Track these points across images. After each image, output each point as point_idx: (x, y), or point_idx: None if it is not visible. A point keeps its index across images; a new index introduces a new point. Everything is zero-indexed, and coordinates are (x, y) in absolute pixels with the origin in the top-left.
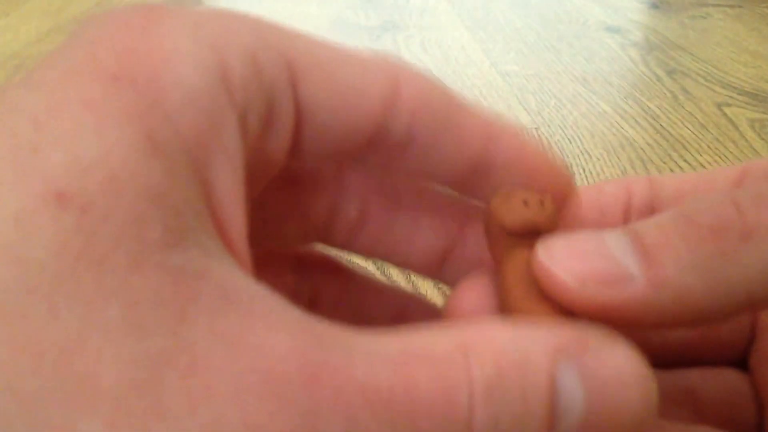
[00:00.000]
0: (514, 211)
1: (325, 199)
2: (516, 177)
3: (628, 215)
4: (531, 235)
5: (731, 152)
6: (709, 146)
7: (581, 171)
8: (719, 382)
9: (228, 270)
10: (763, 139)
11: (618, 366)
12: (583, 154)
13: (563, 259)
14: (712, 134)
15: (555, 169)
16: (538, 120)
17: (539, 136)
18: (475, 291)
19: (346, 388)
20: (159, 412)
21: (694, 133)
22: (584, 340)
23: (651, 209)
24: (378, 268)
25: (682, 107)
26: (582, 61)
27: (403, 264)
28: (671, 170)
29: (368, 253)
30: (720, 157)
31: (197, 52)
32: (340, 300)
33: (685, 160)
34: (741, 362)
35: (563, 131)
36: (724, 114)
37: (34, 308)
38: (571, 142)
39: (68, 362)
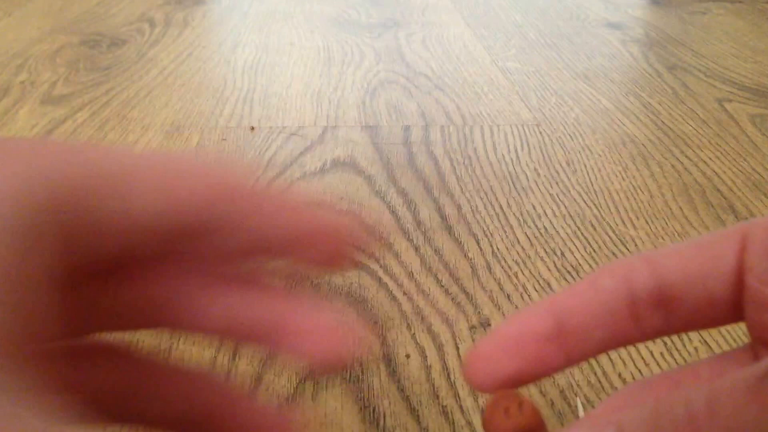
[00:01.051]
0: (498, 424)
1: (151, 289)
2: (280, 237)
3: (635, 310)
4: None
5: (732, 147)
6: (710, 142)
7: (583, 167)
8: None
9: None
10: (763, 134)
11: None
12: (584, 150)
13: None
14: (712, 130)
15: (326, 224)
16: (539, 117)
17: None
18: None
19: None
20: None
21: (694, 129)
22: None
23: (659, 296)
24: (389, 273)
25: (683, 103)
26: (583, 58)
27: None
28: (672, 166)
29: (211, 332)
30: (721, 152)
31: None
32: (127, 385)
33: (686, 156)
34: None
35: (564, 128)
36: (725, 109)
37: None
38: (572, 139)
39: None
